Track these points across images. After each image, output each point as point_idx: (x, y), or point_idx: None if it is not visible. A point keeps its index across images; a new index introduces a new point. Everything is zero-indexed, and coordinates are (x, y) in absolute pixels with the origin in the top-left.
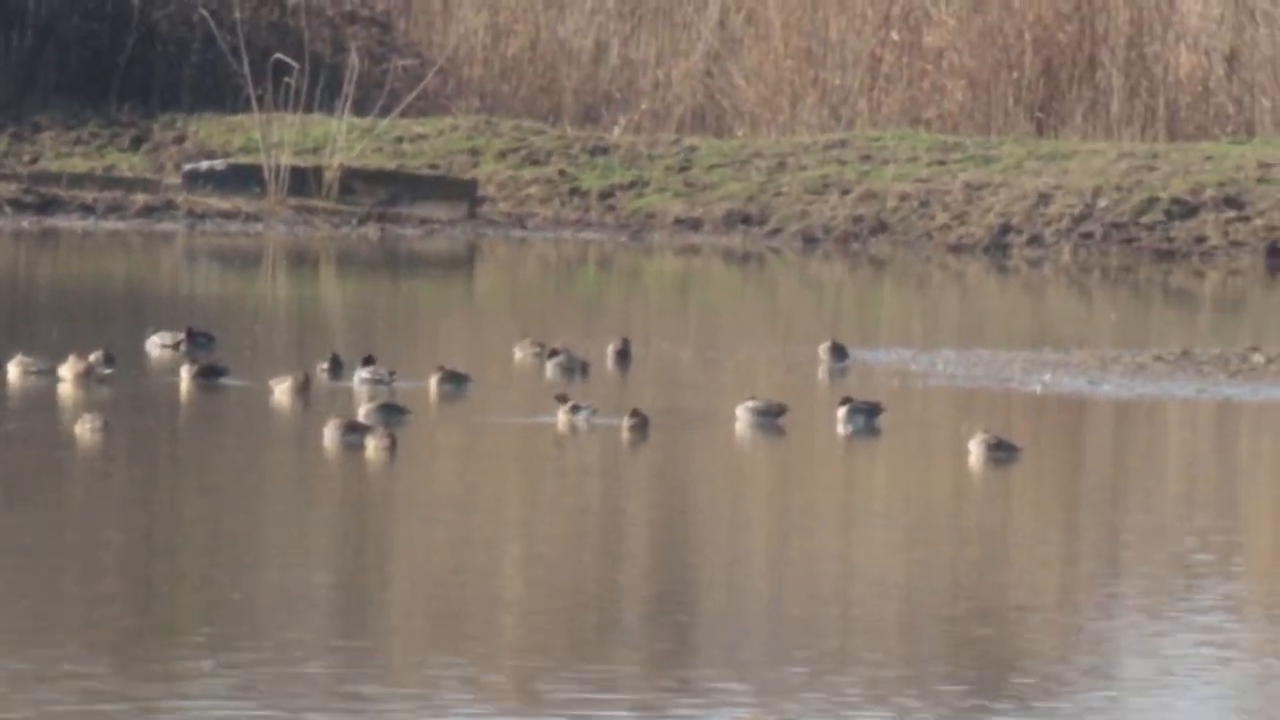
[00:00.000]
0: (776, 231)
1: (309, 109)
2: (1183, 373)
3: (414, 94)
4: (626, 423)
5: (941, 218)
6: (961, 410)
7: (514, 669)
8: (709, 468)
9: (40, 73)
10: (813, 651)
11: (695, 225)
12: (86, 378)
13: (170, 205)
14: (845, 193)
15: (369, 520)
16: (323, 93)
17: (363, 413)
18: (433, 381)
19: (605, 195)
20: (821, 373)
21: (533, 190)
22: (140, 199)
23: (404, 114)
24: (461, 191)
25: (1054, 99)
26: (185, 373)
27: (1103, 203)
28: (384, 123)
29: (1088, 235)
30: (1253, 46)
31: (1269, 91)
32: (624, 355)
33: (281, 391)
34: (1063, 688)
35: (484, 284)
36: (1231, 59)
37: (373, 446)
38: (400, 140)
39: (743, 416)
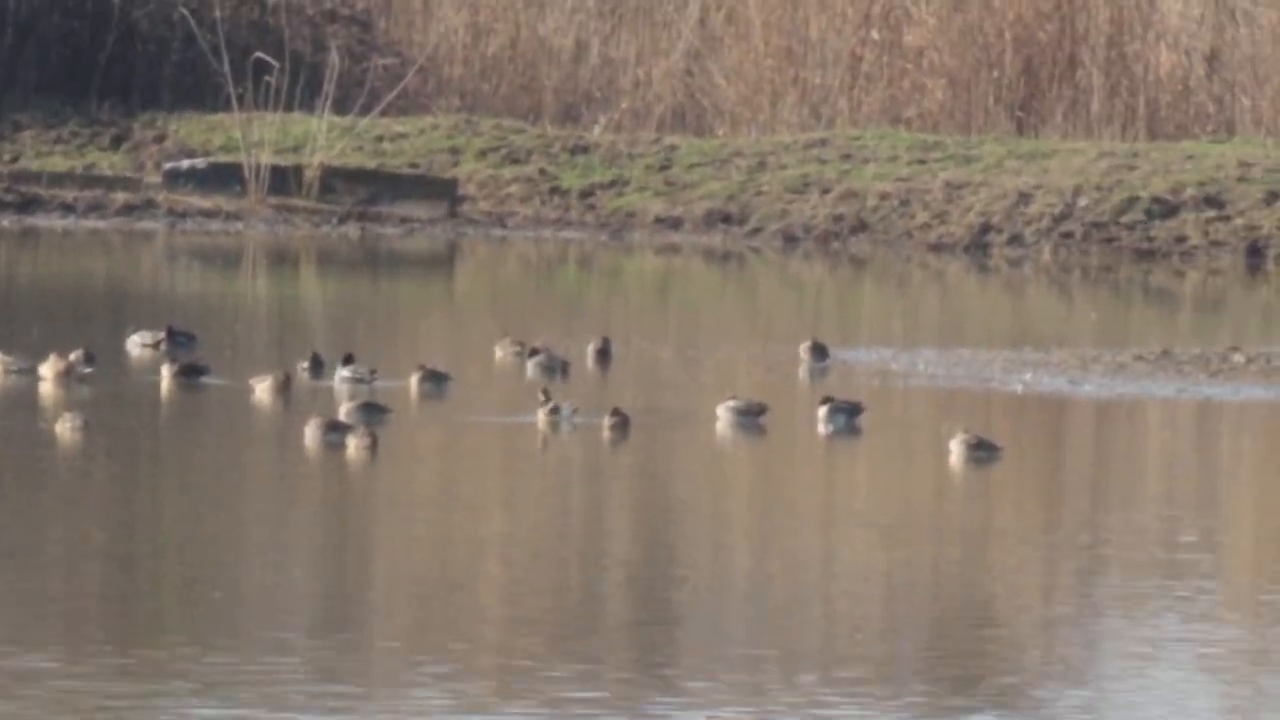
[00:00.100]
0: (757, 231)
1: (289, 108)
2: (1163, 372)
3: (394, 93)
4: (607, 422)
5: (922, 217)
6: (942, 410)
7: (494, 668)
8: (690, 467)
9: (20, 71)
10: (793, 650)
11: (675, 224)
12: (67, 377)
13: (151, 204)
14: (825, 192)
15: (350, 519)
16: (303, 91)
17: (344, 412)
18: (413, 380)
19: (586, 194)
20: (802, 372)
21: (513, 189)
22: (121, 198)
23: (384, 113)
24: (442, 190)
25: (1034, 98)
26: (166, 372)
27: (1083, 202)
28: (364, 121)
29: (1068, 235)
30: (1233, 46)
31: (1249, 91)
32: (604, 354)
33: (262, 390)
34: (1043, 686)
35: (464, 283)
36: (1212, 58)
37: (354, 445)
38: (380, 139)
39: (723, 416)
